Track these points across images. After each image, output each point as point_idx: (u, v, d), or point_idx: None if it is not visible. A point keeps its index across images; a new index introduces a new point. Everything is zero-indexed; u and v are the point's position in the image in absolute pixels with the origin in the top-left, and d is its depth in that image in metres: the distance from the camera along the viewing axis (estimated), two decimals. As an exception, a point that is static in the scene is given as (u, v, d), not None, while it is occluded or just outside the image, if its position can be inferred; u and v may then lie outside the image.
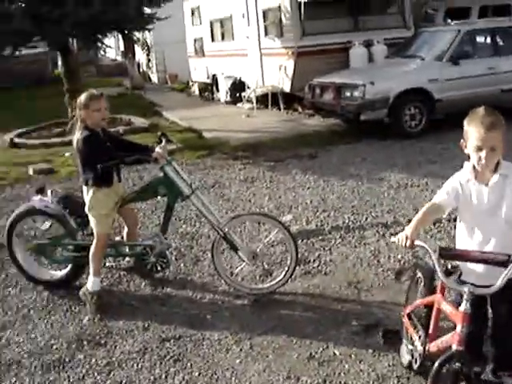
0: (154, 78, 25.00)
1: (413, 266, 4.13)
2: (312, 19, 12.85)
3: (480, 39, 11.47)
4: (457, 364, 2.81)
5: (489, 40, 11.37)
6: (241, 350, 4.06)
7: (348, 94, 10.51)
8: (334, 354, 3.94)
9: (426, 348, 3.30)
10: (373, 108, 10.29)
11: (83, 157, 4.64)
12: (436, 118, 10.81)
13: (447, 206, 3.12)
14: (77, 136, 4.62)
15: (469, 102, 10.63)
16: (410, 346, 3.53)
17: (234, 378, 3.73)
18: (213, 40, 17.52)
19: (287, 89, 13.49)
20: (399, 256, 5.43)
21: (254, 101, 14.03)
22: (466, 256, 3.05)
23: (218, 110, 15.24)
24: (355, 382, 3.62)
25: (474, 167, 3.08)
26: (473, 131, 2.98)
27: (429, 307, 3.39)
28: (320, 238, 6.05)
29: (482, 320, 3.18)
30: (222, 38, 16.89)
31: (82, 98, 4.62)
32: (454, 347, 2.83)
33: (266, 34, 14.13)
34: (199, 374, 3.79)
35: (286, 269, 4.87)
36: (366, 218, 6.53)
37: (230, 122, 13.04)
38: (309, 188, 7.83)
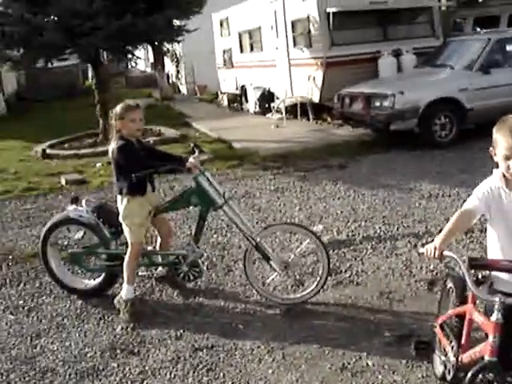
0: (183, 89, 25.16)
1: (444, 277, 4.09)
2: (341, 29, 12.85)
3: (510, 48, 11.36)
4: (490, 374, 2.78)
5: (520, 49, 11.27)
6: (273, 359, 4.06)
7: (377, 103, 10.48)
8: (367, 364, 3.93)
9: (459, 359, 3.23)
10: (403, 118, 10.23)
11: (118, 166, 4.72)
12: (466, 127, 10.73)
13: (477, 211, 3.06)
14: (112, 146, 4.70)
15: (499, 111, 10.37)
16: (443, 357, 3.47)
17: (267, 388, 3.74)
18: (241, 51, 17.60)
19: (316, 99, 13.49)
20: (431, 266, 5.40)
21: (284, 111, 14.05)
22: (495, 265, 3.02)
23: (247, 120, 15.30)
24: (389, 393, 3.61)
25: (503, 175, 3.03)
26: (501, 140, 2.93)
27: (460, 317, 3.35)
28: (351, 248, 6.04)
29: None
30: (251, 49, 16.96)
31: (118, 108, 4.70)
32: (487, 358, 2.81)
33: (295, 44, 14.15)
34: (232, 384, 3.81)
35: (318, 279, 4.87)
36: (398, 228, 6.49)
37: (259, 133, 13.09)
38: (339, 198, 7.82)
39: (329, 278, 5.25)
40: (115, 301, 4.89)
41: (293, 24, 14.15)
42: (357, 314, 4.69)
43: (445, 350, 3.44)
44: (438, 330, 3.60)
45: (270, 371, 3.92)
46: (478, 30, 13.22)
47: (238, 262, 5.76)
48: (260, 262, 5.28)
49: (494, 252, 3.15)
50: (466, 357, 3.16)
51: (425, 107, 10.17)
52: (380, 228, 6.54)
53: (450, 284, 3.68)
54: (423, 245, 5.82)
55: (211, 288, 5.31)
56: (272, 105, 15.19)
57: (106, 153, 11.42)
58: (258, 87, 15.85)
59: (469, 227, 3.19)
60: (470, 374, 2.82)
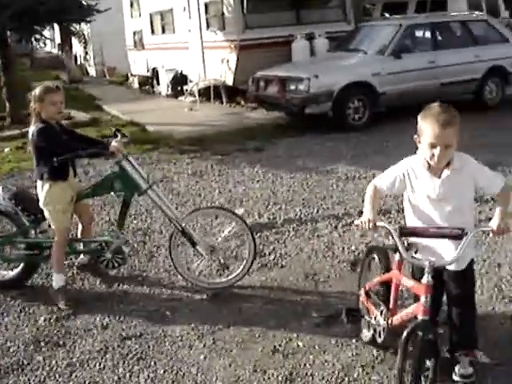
0: (92, 70, 24.50)
1: (366, 250, 4.23)
2: (254, 12, 12.88)
3: (420, 33, 11.72)
4: (423, 333, 2.98)
5: (429, 34, 11.63)
6: (204, 345, 4.02)
7: (293, 87, 10.56)
8: (298, 345, 3.96)
9: (389, 322, 3.45)
10: (317, 101, 10.38)
11: (38, 150, 4.54)
12: (379, 110, 11.01)
13: (387, 191, 3.36)
14: (32, 128, 4.51)
15: (410, 95, 11.04)
16: (373, 322, 3.64)
17: (199, 374, 3.69)
18: (153, 33, 17.30)
19: (230, 82, 13.46)
20: (353, 247, 5.52)
21: (197, 94, 13.93)
22: (424, 232, 3.22)
23: (160, 103, 15.08)
24: (321, 372, 3.65)
25: (427, 162, 3.17)
26: (427, 128, 3.04)
27: (386, 284, 3.57)
28: (273, 231, 6.08)
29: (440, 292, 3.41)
30: (163, 30, 16.70)
31: (38, 90, 4.50)
32: (420, 317, 3.01)
33: (208, 27, 14.06)
34: (164, 372, 3.74)
35: (245, 262, 4.87)
36: (318, 211, 6.59)
37: (172, 116, 12.92)
38: (258, 181, 7.84)
39: (254, 261, 5.28)
40: (49, 292, 4.72)
41: (206, 6, 14.04)
42: (284, 296, 4.73)
43: (374, 315, 3.63)
44: (364, 298, 3.80)
45: (202, 357, 3.88)
46: (387, 15, 13.53)
47: (161, 247, 5.69)
48: (183, 248, 5.18)
49: (412, 222, 3.37)
50: (396, 319, 3.40)
51: (339, 91, 10.35)
52: (300, 210, 6.61)
53: (373, 255, 3.88)
54: (344, 226, 6.03)
55: (135, 275, 5.20)
56: (185, 88, 15.03)
57: (14, 137, 11.14)
58: (171, 70, 15.63)
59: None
60: (405, 333, 3.00)
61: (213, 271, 5.15)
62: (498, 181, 3.24)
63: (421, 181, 3.23)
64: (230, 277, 4.93)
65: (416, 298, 3.28)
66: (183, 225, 4.73)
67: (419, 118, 3.14)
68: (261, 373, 3.68)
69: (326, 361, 3.77)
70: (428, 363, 3.02)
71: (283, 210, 6.64)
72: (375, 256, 3.86)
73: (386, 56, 10.83)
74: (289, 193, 7.28)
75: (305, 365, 3.74)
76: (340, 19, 13.95)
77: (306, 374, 3.65)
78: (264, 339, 4.06)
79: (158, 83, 16.68)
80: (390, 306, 3.51)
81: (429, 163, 3.16)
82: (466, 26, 12.04)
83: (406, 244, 3.28)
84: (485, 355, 3.55)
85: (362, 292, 3.85)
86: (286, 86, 10.69)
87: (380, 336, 3.60)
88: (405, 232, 3.22)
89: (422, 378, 3.00)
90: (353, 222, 6.08)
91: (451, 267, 3.25)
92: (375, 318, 3.61)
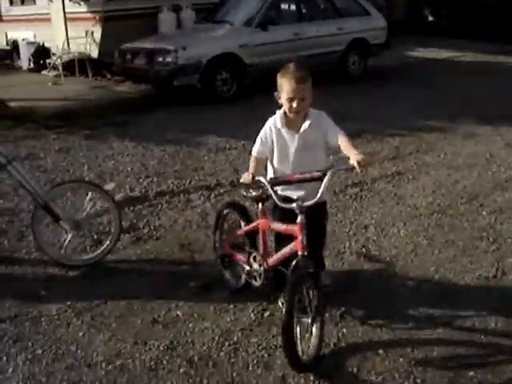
0: None
1: (218, 211, 4.48)
2: (119, -17, 12.56)
3: (286, 6, 11.96)
4: (305, 266, 3.35)
5: (294, 7, 11.90)
6: (82, 322, 3.97)
7: (160, 59, 10.46)
8: (177, 315, 4.02)
9: (265, 264, 3.76)
10: (185, 73, 10.37)
11: None
12: (246, 82, 11.15)
13: (266, 152, 3.71)
14: None
15: (276, 67, 11.12)
16: (248, 268, 3.90)
17: (80, 351, 3.65)
18: (11, 3, 16.41)
19: (95, 55, 13.11)
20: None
21: (61, 68, 13.41)
22: (290, 179, 3.60)
23: (21, 78, 14.35)
24: (201, 339, 3.73)
25: (285, 115, 3.61)
26: (285, 83, 3.49)
27: (250, 234, 3.98)
28: (146, 204, 6.06)
29: None
30: (22, 1, 15.88)
31: None
32: (300, 253, 3.38)
33: (71, -3, 13.54)
34: (43, 352, 3.66)
35: (111, 236, 4.86)
36: (190, 182, 6.64)
37: (36, 91, 12.38)
38: (128, 155, 7.75)
39: (127, 234, 5.26)
40: None
41: (68, -25, 13.49)
42: (160, 267, 4.76)
43: (247, 262, 3.91)
44: (229, 251, 4.14)
45: (81, 334, 3.84)
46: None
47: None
48: (53, 225, 5.03)
49: (272, 173, 3.79)
50: (272, 261, 3.75)
51: (207, 62, 10.36)
52: (173, 182, 6.63)
53: (226, 211, 4.30)
54: (216, 195, 6.13)
55: (4, 256, 5.00)
56: (48, 61, 14.43)
57: None
58: (32, 42, 14.93)
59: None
60: (291, 268, 3.40)
61: (86, 248, 5.06)
62: (341, 134, 3.60)
63: (280, 137, 3.65)
64: (97, 251, 4.87)
65: (277, 242, 3.84)
66: (45, 200, 4.60)
67: (278, 76, 3.56)
68: (142, 344, 3.70)
69: (205, 327, 3.86)
70: (312, 294, 3.38)
71: (155, 183, 6.63)
72: (228, 211, 4.28)
73: (253, 28, 10.98)
74: (160, 165, 7.26)
75: (185, 333, 3.81)
76: (207, -10, 13.90)
77: (187, 341, 3.72)
78: (143, 311, 4.08)
79: (19, 57, 15.86)
80: (261, 251, 3.86)
81: (287, 119, 3.61)
82: (330, -1, 12.43)
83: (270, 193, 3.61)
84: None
85: (225, 247, 4.20)
86: (153, 58, 10.57)
87: (257, 280, 3.85)
88: (275, 182, 3.59)
89: (309, 309, 3.37)
90: (226, 191, 6.26)
91: (310, 202, 3.50)
92: (249, 264, 3.88)
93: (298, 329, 3.35)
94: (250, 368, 3.46)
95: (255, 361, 3.52)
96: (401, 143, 7.92)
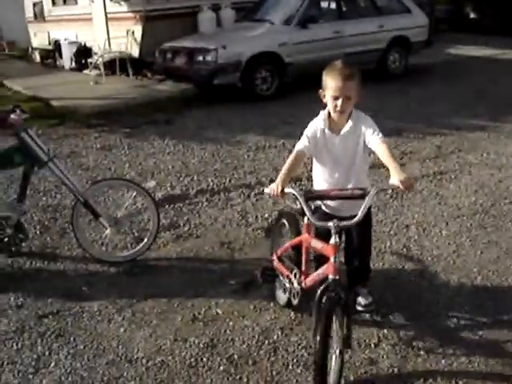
0: (-12, 45, 23.34)
1: (277, 216, 4.36)
2: (159, -17, 12.65)
3: (326, 4, 11.89)
4: (334, 292, 3.08)
5: (334, 5, 11.83)
6: (123, 318, 4.01)
7: (200, 58, 10.49)
8: (217, 313, 4.02)
9: (303, 284, 3.59)
10: (225, 72, 10.37)
11: None
12: (286, 81, 11.12)
13: (308, 151, 3.48)
14: None
15: (316, 65, 11.04)
16: (288, 285, 3.75)
17: (121, 347, 3.69)
18: (54, 4, 16.66)
19: (136, 54, 13.21)
20: (266, 214, 5.62)
21: (102, 67, 13.57)
22: (327, 195, 3.45)
23: (64, 77, 14.58)
24: (241, 337, 3.73)
25: (329, 115, 3.44)
26: (331, 81, 3.31)
27: (297, 248, 3.71)
28: (187, 202, 6.08)
29: None
30: (64, 1, 16.10)
31: None
32: (331, 276, 3.12)
33: (112, -3, 13.69)
34: (84, 347, 3.71)
35: (149, 234, 4.89)
36: (230, 180, 6.64)
37: (78, 90, 12.55)
38: (169, 153, 7.80)
39: (168, 232, 5.30)
40: None
41: (109, -24, 13.64)
42: (200, 265, 4.77)
43: (288, 278, 3.74)
44: (276, 263, 3.91)
45: (122, 330, 3.88)
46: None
47: (73, 223, 5.59)
48: (93, 222, 5.07)
49: (319, 185, 3.62)
50: (309, 281, 3.53)
51: (246, 61, 10.36)
52: (213, 181, 6.64)
53: (283, 220, 4.00)
54: (256, 195, 6.12)
55: (47, 252, 5.08)
56: (89, 60, 14.62)
57: None
58: (74, 42, 15.15)
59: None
60: (318, 292, 3.11)
61: (127, 245, 5.11)
62: (380, 138, 3.34)
63: (323, 139, 3.46)
64: (137, 248, 4.91)
65: (318, 260, 3.58)
66: (86, 197, 4.67)
67: (324, 73, 3.39)
68: (182, 341, 3.72)
69: (245, 326, 3.86)
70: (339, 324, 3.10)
71: (195, 181, 6.65)
72: (285, 221, 3.98)
73: (293, 26, 10.93)
74: (200, 164, 7.29)
75: (225, 331, 3.81)
76: (246, -11, 13.93)
77: (227, 339, 3.72)
78: (183, 309, 4.09)
79: (61, 56, 16.12)
80: (302, 268, 3.64)
81: (330, 120, 3.44)
82: (371, -4, 12.33)
83: (312, 207, 3.48)
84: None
85: (275, 257, 3.95)
86: (193, 57, 10.61)
87: (295, 298, 3.70)
88: (310, 196, 3.38)
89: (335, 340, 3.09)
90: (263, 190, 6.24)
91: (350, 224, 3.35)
92: (290, 281, 3.72)
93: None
94: (290, 367, 3.45)
95: (295, 360, 3.51)
96: (442, 142, 7.80)
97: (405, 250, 4.86)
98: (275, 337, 3.72)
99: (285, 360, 3.51)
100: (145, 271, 4.68)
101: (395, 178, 3.07)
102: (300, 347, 3.62)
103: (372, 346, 3.61)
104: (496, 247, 4.85)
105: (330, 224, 3.13)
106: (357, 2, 12.50)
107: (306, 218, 3.51)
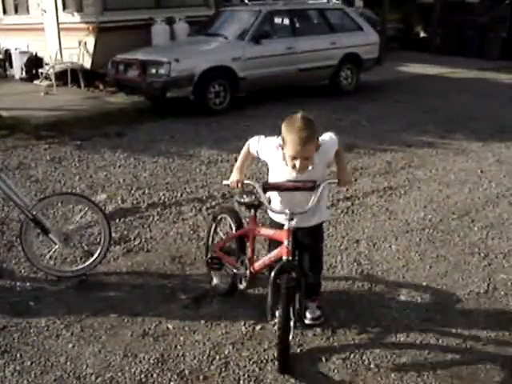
0: None
1: (214, 214, 4.59)
2: (113, -6, 12.57)
3: (279, 20, 12.00)
4: (292, 271, 3.39)
5: (287, 21, 11.94)
6: (72, 334, 3.94)
7: (153, 71, 10.42)
8: (168, 328, 3.99)
9: (251, 268, 3.87)
10: (178, 85, 10.34)
11: None
12: (239, 95, 11.17)
13: (257, 158, 3.76)
14: None
15: (269, 80, 11.33)
16: (235, 271, 4.03)
17: (69, 363, 3.62)
18: (5, 13, 16.39)
19: (88, 65, 13.07)
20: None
21: (53, 78, 13.39)
22: (282, 186, 3.60)
23: (14, 87, 14.32)
24: (192, 352, 3.70)
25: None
26: (290, 142, 3.35)
27: (239, 239, 4.06)
28: (137, 215, 6.03)
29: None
30: (16, 11, 15.86)
31: None
32: (285, 258, 3.41)
33: (65, 8, 13.50)
34: (32, 364, 3.62)
35: (100, 248, 4.80)
36: (182, 194, 6.62)
37: (28, 100, 12.35)
38: (120, 166, 7.72)
39: (118, 246, 5.24)
40: None
41: (61, -14, 13.49)
42: (151, 280, 4.72)
43: (234, 266, 4.02)
44: (220, 254, 4.20)
45: (70, 345, 3.80)
46: (246, 1, 13.66)
47: (21, 236, 5.47)
48: (39, 237, 4.98)
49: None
50: (258, 265, 3.85)
51: (200, 75, 10.35)
52: (164, 194, 6.61)
53: (224, 215, 4.36)
54: (208, 209, 6.11)
55: (-7, 266, 4.98)
56: (40, 71, 14.41)
57: None
58: (25, 52, 14.90)
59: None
60: (274, 272, 3.39)
61: (77, 259, 5.03)
62: (335, 145, 3.66)
63: (279, 159, 3.55)
64: (87, 263, 4.82)
65: (271, 249, 3.80)
66: (34, 213, 4.55)
67: (283, 127, 3.41)
68: (132, 357, 3.67)
69: (196, 341, 3.83)
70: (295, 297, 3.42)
71: (147, 195, 6.61)
72: (225, 216, 4.32)
73: (246, 41, 10.97)
74: (152, 177, 7.24)
75: (175, 346, 3.78)
76: (200, 4, 13.98)
77: (178, 354, 3.69)
78: (133, 324, 4.05)
79: (12, 66, 15.83)
80: (249, 255, 3.92)
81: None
82: (324, 13, 12.53)
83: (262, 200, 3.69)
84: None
85: (217, 249, 4.26)
86: (146, 70, 10.53)
87: (242, 283, 3.99)
88: (267, 187, 3.61)
89: (291, 311, 3.39)
90: (217, 204, 6.24)
91: (305, 225, 3.68)
92: (236, 268, 4.01)
93: None
94: (241, 382, 3.44)
95: (246, 375, 3.50)
96: (393, 158, 7.95)
97: (355, 264, 4.92)
98: (226, 352, 3.71)
99: (236, 375, 3.49)
100: (94, 286, 4.61)
101: (338, 175, 3.62)
102: (251, 362, 3.61)
103: (323, 360, 3.63)
104: (444, 261, 4.95)
105: (286, 210, 3.49)
106: (310, 19, 12.64)
107: (252, 211, 3.89)
